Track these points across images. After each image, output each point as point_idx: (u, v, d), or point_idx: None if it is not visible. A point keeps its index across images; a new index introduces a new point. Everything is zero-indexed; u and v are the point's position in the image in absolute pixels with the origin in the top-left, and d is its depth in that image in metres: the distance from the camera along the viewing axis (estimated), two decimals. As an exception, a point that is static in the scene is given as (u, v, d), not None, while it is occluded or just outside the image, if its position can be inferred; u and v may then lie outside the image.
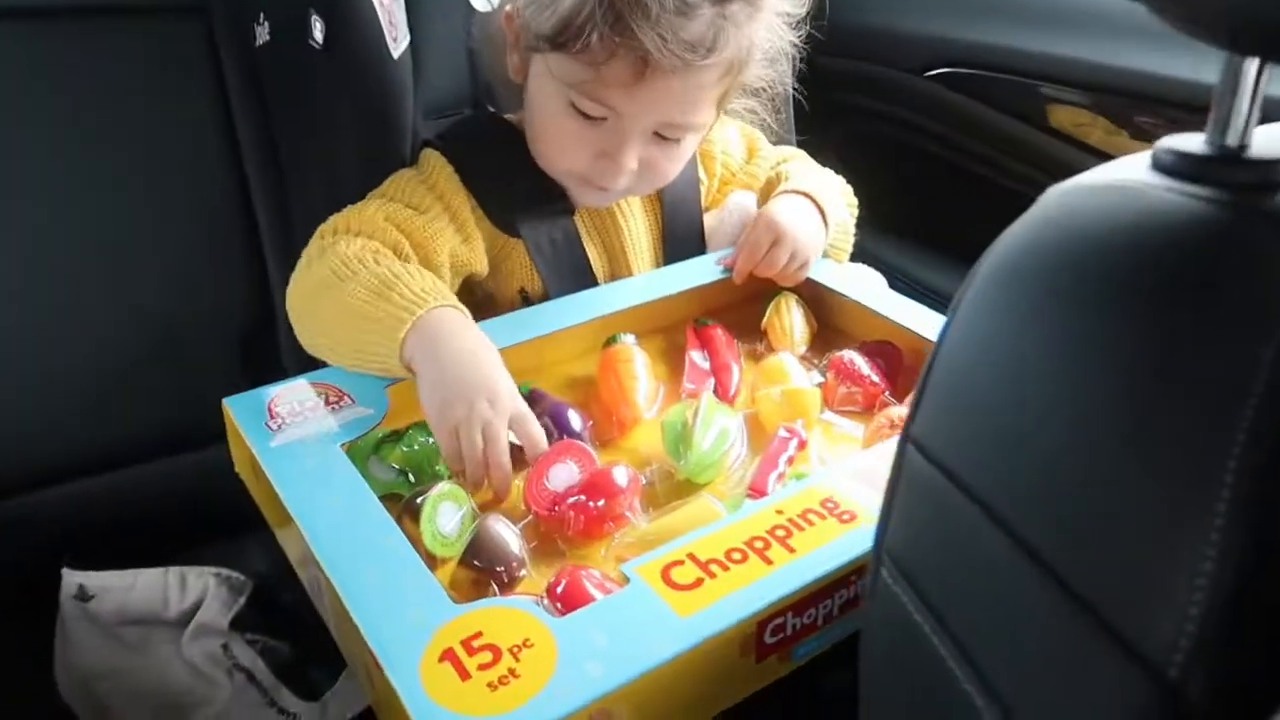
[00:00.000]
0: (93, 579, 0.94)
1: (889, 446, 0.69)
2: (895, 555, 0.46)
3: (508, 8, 0.85)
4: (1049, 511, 0.37)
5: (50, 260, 0.99)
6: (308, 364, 0.82)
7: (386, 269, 0.76)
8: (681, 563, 0.59)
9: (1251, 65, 0.38)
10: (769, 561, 0.59)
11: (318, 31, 0.89)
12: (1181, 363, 0.34)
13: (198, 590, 0.92)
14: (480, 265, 0.89)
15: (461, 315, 0.76)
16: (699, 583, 0.57)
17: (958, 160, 1.21)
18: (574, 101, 0.80)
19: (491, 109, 0.96)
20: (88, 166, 0.99)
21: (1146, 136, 1.04)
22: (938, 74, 1.17)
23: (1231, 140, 0.39)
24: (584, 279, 0.92)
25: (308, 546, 0.60)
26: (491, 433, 0.68)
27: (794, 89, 1.08)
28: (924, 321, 0.87)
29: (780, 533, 0.61)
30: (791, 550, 0.60)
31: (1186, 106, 0.97)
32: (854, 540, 0.61)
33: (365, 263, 0.77)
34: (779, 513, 0.63)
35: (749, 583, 0.57)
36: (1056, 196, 0.42)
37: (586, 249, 0.93)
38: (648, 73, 0.76)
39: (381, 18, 0.88)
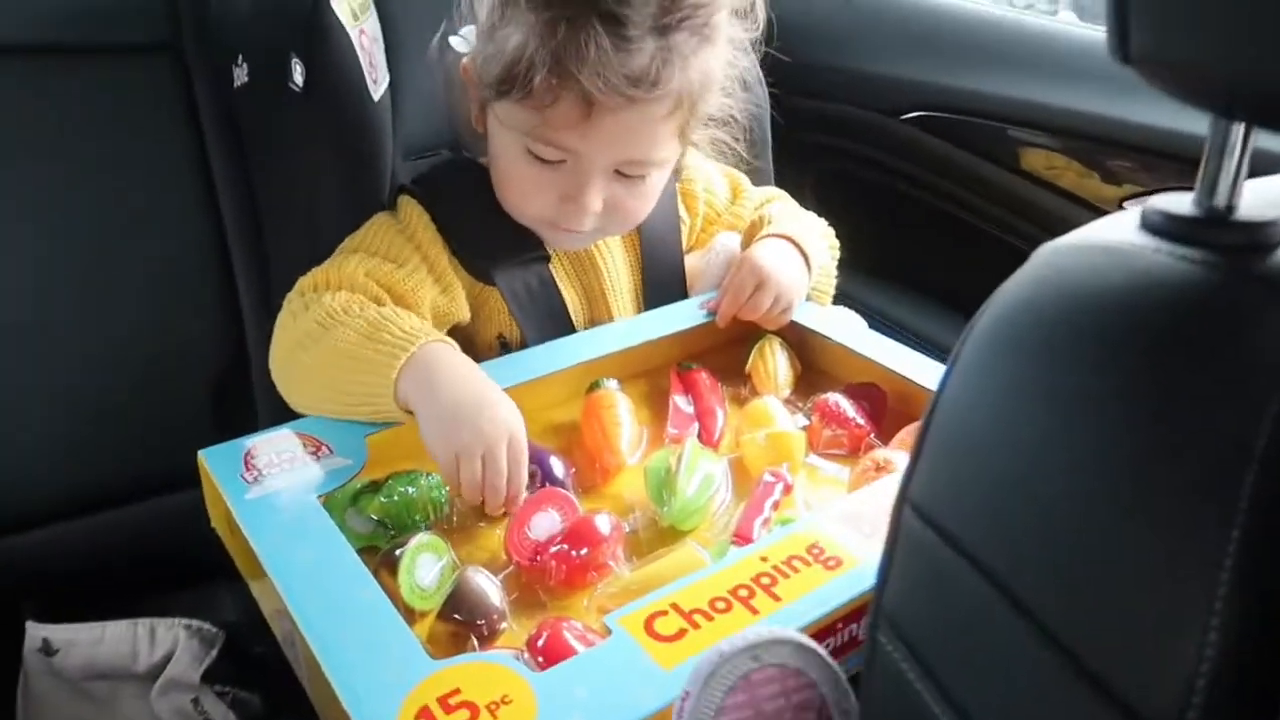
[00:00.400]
0: (58, 632, 0.91)
1: (875, 490, 0.70)
2: (893, 617, 0.45)
3: (464, 59, 0.85)
4: (1047, 574, 0.37)
5: (19, 303, 0.97)
6: (282, 409, 0.81)
7: (374, 313, 0.76)
8: (665, 613, 0.58)
9: (1239, 129, 0.39)
10: (754, 610, 0.58)
11: (298, 74, 0.88)
12: (1177, 424, 0.34)
13: (168, 643, 0.90)
14: (462, 314, 0.88)
15: (452, 348, 0.76)
16: (682, 633, 0.56)
17: (933, 202, 1.22)
18: (529, 147, 0.80)
19: (466, 154, 0.95)
20: (58, 207, 0.98)
21: (1117, 180, 1.04)
22: (913, 117, 1.18)
23: (1220, 201, 0.40)
24: (561, 325, 0.91)
25: (282, 601, 0.59)
26: (491, 456, 0.70)
27: (769, 129, 1.09)
28: (907, 363, 0.86)
29: (765, 580, 0.60)
30: (777, 598, 0.59)
31: (1157, 152, 0.98)
32: (840, 586, 0.60)
33: (351, 311, 0.77)
34: (764, 560, 0.62)
35: (733, 632, 0.56)
36: (1048, 255, 0.42)
37: (564, 293, 0.92)
38: (593, 112, 0.75)
39: (362, 59, 0.88)
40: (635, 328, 0.91)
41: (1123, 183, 1.04)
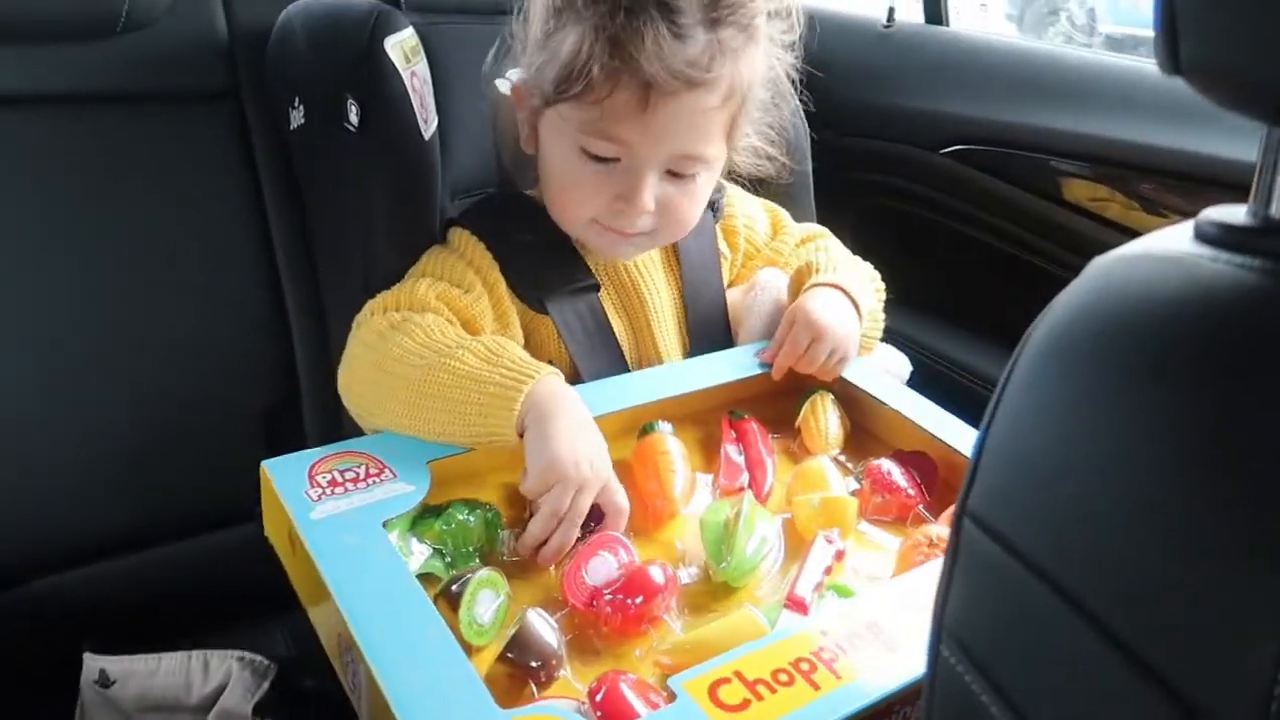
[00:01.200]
0: (114, 664, 0.91)
1: (932, 570, 0.70)
2: (955, 632, 0.45)
3: (514, 81, 0.88)
4: (1113, 583, 0.37)
5: (75, 341, 1.00)
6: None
7: (489, 340, 0.79)
8: (729, 680, 0.58)
9: None
10: (815, 686, 0.58)
11: (353, 115, 0.91)
12: (1239, 431, 0.34)
13: (221, 675, 0.90)
14: (517, 341, 0.89)
15: (565, 385, 0.79)
16: (746, 704, 0.57)
17: (975, 235, 1.22)
18: (585, 146, 0.82)
19: (512, 188, 0.97)
20: (115, 250, 1.00)
21: (1161, 209, 1.06)
22: (953, 150, 1.19)
23: (1275, 211, 0.39)
24: (612, 355, 0.93)
25: (349, 631, 0.59)
26: (579, 503, 0.73)
27: (807, 140, 1.09)
28: (956, 433, 0.87)
29: (826, 655, 0.61)
30: (838, 676, 0.59)
31: (1202, 179, 0.99)
32: (899, 668, 0.60)
33: (448, 334, 0.79)
34: (824, 634, 0.62)
35: (797, 708, 0.57)
36: (1103, 267, 0.42)
37: (613, 325, 0.93)
38: (651, 99, 0.78)
39: (414, 100, 0.91)
40: (687, 372, 0.92)
41: (1168, 212, 1.05)
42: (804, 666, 0.60)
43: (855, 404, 0.94)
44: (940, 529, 0.76)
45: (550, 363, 0.91)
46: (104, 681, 0.90)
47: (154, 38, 1.00)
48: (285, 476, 0.71)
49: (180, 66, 1.02)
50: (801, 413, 0.91)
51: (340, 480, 0.71)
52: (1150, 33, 0.40)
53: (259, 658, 0.90)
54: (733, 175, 0.95)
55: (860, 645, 0.62)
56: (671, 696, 0.59)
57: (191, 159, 1.03)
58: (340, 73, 0.93)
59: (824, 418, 0.90)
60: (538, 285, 0.89)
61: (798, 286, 0.97)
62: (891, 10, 1.41)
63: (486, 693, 0.56)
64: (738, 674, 0.59)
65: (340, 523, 0.67)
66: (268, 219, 1.04)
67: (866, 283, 1.00)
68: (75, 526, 1.01)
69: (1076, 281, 0.43)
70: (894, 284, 1.05)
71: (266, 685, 0.88)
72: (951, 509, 0.79)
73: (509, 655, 0.62)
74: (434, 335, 0.79)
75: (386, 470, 0.73)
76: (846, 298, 0.95)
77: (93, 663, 0.92)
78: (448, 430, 0.76)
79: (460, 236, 0.90)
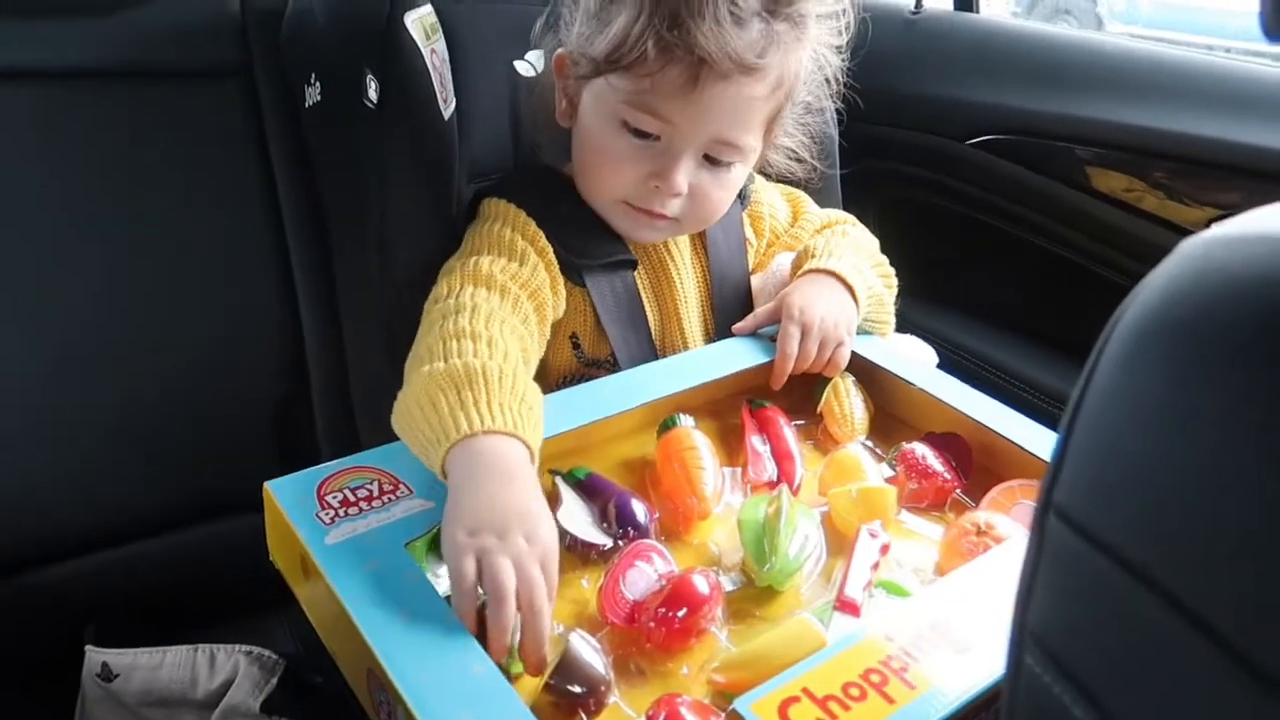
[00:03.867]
0: (117, 657, 0.88)
1: (990, 562, 0.67)
2: (1041, 638, 0.42)
3: (559, 51, 0.87)
4: (1224, 584, 0.34)
5: (79, 326, 0.97)
6: (344, 437, 0.77)
7: (480, 362, 0.69)
8: (798, 699, 0.54)
9: None
10: (890, 700, 0.55)
11: (372, 91, 0.88)
12: None
13: (227, 669, 0.87)
14: (561, 311, 0.88)
15: (523, 453, 0.66)
16: (820, 724, 0.53)
17: (1003, 227, 1.20)
18: (627, 119, 0.81)
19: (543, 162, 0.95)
20: (122, 229, 0.99)
21: (1197, 200, 1.03)
22: (981, 141, 1.16)
23: None
24: (642, 335, 0.91)
25: (382, 669, 0.54)
26: (525, 573, 0.58)
27: (836, 139, 1.07)
28: (989, 412, 0.84)
29: (896, 664, 0.57)
30: (911, 686, 0.56)
31: (1239, 169, 0.97)
32: (974, 673, 0.57)
33: (470, 352, 0.71)
34: (889, 639, 0.59)
35: (873, 725, 0.53)
36: (1198, 247, 0.39)
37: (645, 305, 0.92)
38: (701, 78, 0.78)
39: (433, 78, 0.87)
40: (704, 361, 0.88)
41: (1202, 204, 1.03)
42: (874, 679, 0.56)
43: (878, 386, 0.90)
44: (987, 515, 0.73)
45: (572, 335, 0.90)
46: (106, 675, 0.88)
47: (165, 12, 0.99)
48: (292, 498, 0.66)
49: (191, 42, 1.00)
50: (824, 397, 0.87)
51: (353, 499, 0.66)
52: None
53: (267, 653, 0.87)
54: (764, 173, 0.94)
55: (928, 649, 0.58)
56: (734, 718, 0.55)
57: (202, 136, 1.01)
58: (359, 47, 0.90)
59: (847, 401, 0.87)
60: (579, 254, 0.87)
61: (796, 271, 0.95)
62: None
63: (541, 729, 0.51)
64: (806, 691, 0.55)
65: (359, 547, 0.62)
66: (278, 198, 1.02)
67: (866, 268, 0.96)
68: (78, 514, 0.99)
69: (1168, 263, 0.40)
70: (919, 277, 1.03)
71: (275, 681, 0.85)
72: (994, 493, 0.77)
73: (554, 684, 0.58)
74: (458, 343, 0.71)
75: (401, 486, 0.68)
76: (840, 283, 0.91)
77: (95, 656, 0.89)
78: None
79: (499, 207, 0.87)
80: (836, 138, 1.07)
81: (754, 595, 0.69)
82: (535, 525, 0.61)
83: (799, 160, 0.94)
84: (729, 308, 0.96)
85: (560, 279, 0.87)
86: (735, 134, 0.83)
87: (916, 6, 1.37)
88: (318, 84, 0.96)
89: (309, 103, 0.97)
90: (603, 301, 0.88)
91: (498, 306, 0.78)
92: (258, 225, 1.02)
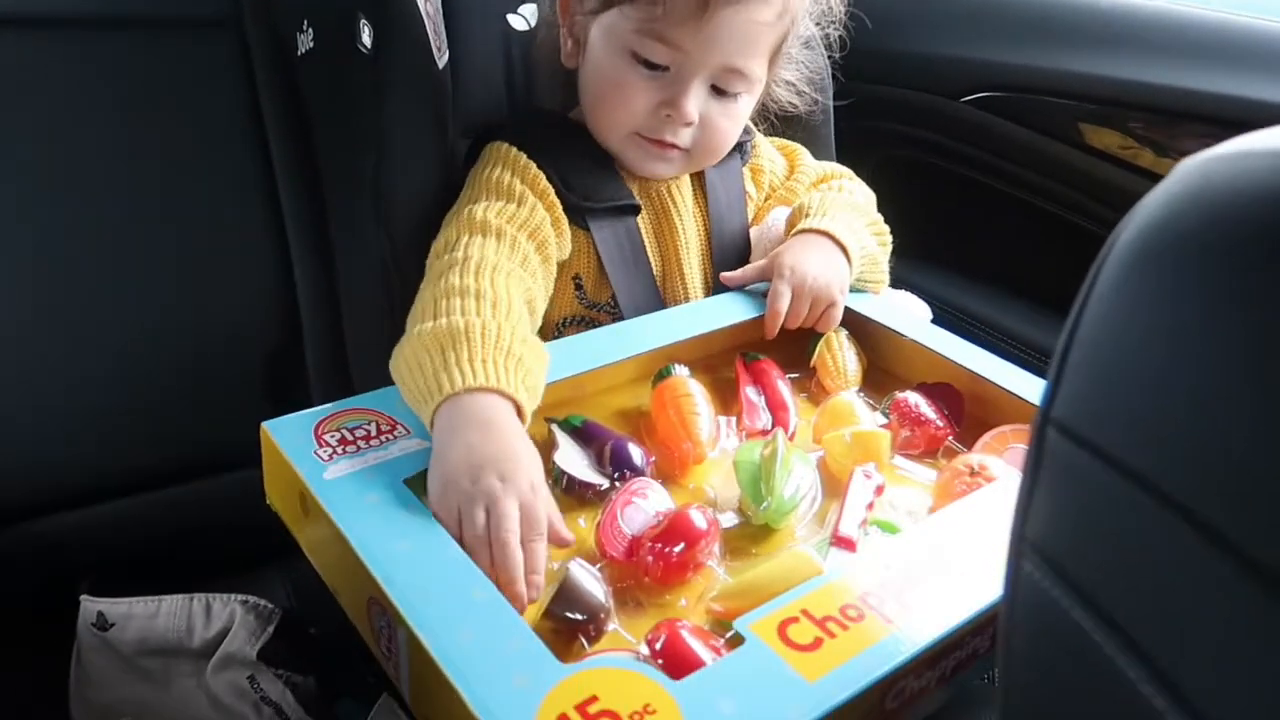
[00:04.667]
0: (113, 606, 0.88)
1: (983, 498, 0.68)
2: (1040, 547, 0.42)
3: None
4: (1230, 489, 0.35)
5: (69, 277, 0.96)
6: (336, 391, 0.76)
7: (465, 320, 0.69)
8: (796, 620, 0.55)
9: None
10: (887, 619, 0.55)
11: (366, 37, 0.87)
12: None
13: (224, 618, 0.86)
14: (565, 252, 0.88)
15: (505, 405, 0.66)
16: (819, 642, 0.54)
17: (997, 185, 1.20)
18: (636, 50, 0.83)
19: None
20: (110, 180, 0.98)
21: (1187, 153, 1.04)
22: (976, 98, 1.17)
23: None
24: (646, 279, 0.92)
25: (382, 593, 0.55)
26: (496, 511, 0.59)
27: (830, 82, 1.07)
28: (981, 361, 0.84)
29: (893, 588, 0.58)
30: (909, 608, 0.56)
31: (1230, 122, 0.98)
32: (969, 596, 0.58)
33: (470, 309, 0.71)
34: (886, 567, 0.59)
35: (872, 643, 0.54)
36: (1196, 165, 0.40)
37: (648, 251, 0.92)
38: (711, 3, 0.79)
39: (428, 27, 0.86)
40: (698, 314, 0.88)
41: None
42: (873, 601, 0.57)
43: (870, 340, 0.91)
44: (980, 457, 0.73)
45: (575, 276, 0.90)
46: (102, 624, 0.87)
47: None
48: (289, 437, 0.66)
49: None
50: (817, 351, 0.88)
51: (351, 438, 0.66)
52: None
53: (263, 602, 0.87)
54: (764, 108, 0.95)
55: (926, 576, 0.59)
56: (731, 643, 0.56)
57: (192, 87, 1.00)
58: None
59: (840, 355, 0.87)
60: (582, 197, 0.88)
61: (790, 228, 0.95)
62: None
63: (544, 647, 0.52)
64: (805, 613, 0.55)
65: (358, 481, 0.62)
66: (269, 149, 1.01)
67: (860, 227, 0.96)
68: (72, 467, 0.98)
69: (1167, 182, 0.41)
70: (913, 235, 1.03)
71: (271, 630, 0.84)
72: (987, 437, 0.78)
73: (554, 611, 0.58)
74: (452, 299, 0.72)
75: (399, 426, 0.68)
76: (833, 243, 0.91)
77: (90, 605, 0.88)
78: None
79: (501, 150, 0.88)
80: (829, 70, 1.07)
81: (750, 533, 0.69)
82: (513, 465, 0.61)
83: (800, 94, 0.96)
84: (728, 258, 0.96)
85: (564, 219, 0.87)
86: (743, 61, 0.84)
87: None
88: (310, 30, 0.95)
89: (301, 50, 0.97)
90: (605, 246, 0.89)
91: (493, 253, 0.78)
92: (249, 176, 1.01)
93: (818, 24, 0.93)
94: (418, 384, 0.67)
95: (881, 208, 1.02)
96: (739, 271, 0.92)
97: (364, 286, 0.86)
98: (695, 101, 0.84)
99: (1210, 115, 1.00)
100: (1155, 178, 1.07)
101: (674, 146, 0.87)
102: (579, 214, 0.88)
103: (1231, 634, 0.34)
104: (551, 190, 0.86)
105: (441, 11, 0.88)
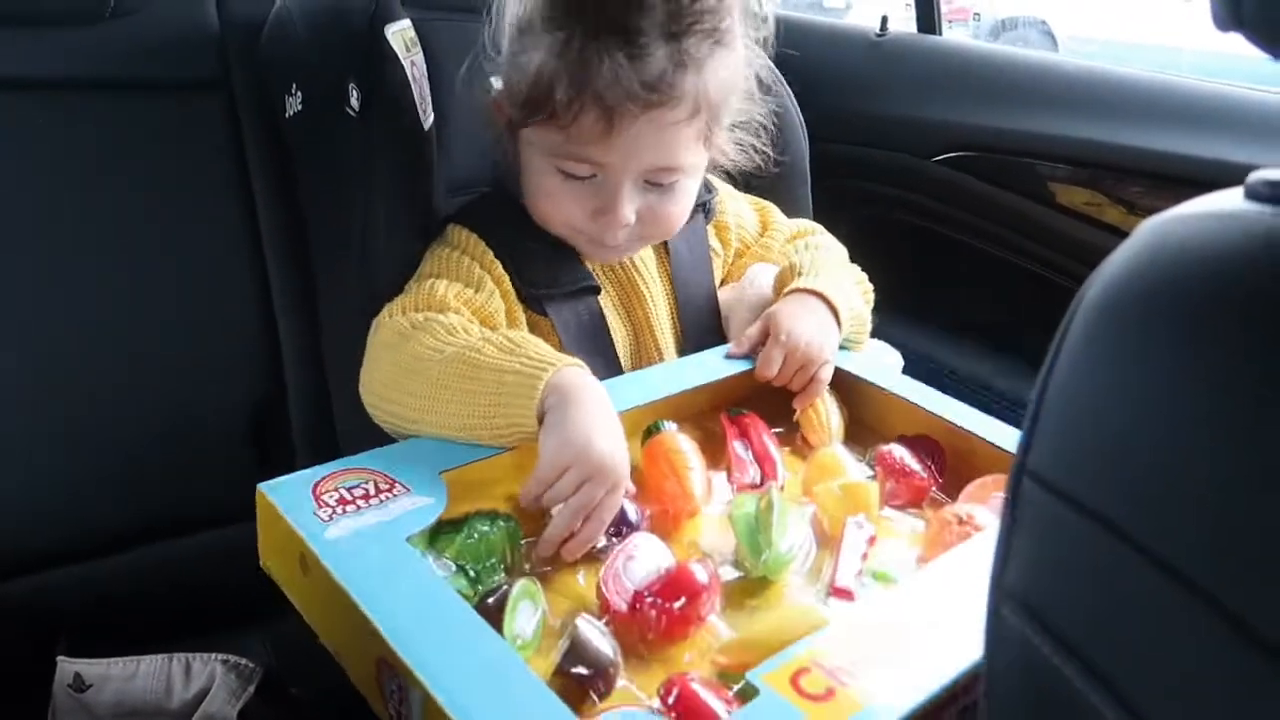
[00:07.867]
0: (90, 668, 0.85)
1: (974, 547, 0.69)
2: (1018, 594, 0.44)
3: (493, 95, 0.88)
4: (1192, 533, 0.36)
5: (54, 336, 0.96)
6: (320, 449, 0.77)
7: (515, 333, 0.76)
8: (808, 670, 0.55)
9: None
10: (900, 665, 0.56)
11: (354, 99, 0.89)
12: None
13: (203, 678, 0.84)
14: None
15: (589, 376, 0.75)
16: (831, 693, 0.54)
17: (968, 241, 1.24)
18: (559, 166, 0.82)
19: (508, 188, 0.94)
20: (99, 241, 0.97)
21: (1152, 212, 1.09)
22: (946, 158, 1.21)
23: None
24: (608, 358, 0.91)
25: (393, 653, 0.54)
26: (610, 501, 0.69)
27: (799, 126, 1.10)
28: (959, 413, 0.86)
29: (899, 636, 0.58)
30: (916, 653, 0.57)
31: (1197, 183, 1.02)
32: (976, 640, 0.59)
33: (472, 332, 0.77)
34: (891, 615, 0.60)
35: (884, 691, 0.54)
36: (1156, 226, 0.42)
37: (612, 325, 0.92)
38: (615, 124, 0.78)
39: (413, 89, 0.89)
40: (678, 372, 0.89)
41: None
42: (881, 649, 0.57)
43: (848, 395, 0.93)
44: (967, 507, 0.75)
45: None
46: (79, 686, 0.84)
47: (143, 24, 0.99)
48: (287, 497, 0.66)
49: (170, 54, 1.00)
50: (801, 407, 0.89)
51: (350, 498, 0.66)
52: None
53: (244, 661, 0.85)
54: (720, 168, 0.95)
55: (932, 622, 0.60)
56: (741, 696, 0.56)
57: (180, 148, 1.00)
58: (341, 57, 0.91)
59: (823, 409, 0.89)
60: (538, 285, 0.88)
61: (780, 287, 0.96)
62: (885, 20, 1.42)
63: (561, 704, 0.52)
64: (816, 663, 0.56)
65: (360, 541, 0.62)
66: (256, 209, 1.01)
67: (850, 286, 0.97)
68: (50, 526, 0.97)
69: (1130, 241, 0.43)
70: (888, 291, 1.05)
71: (252, 689, 0.82)
72: (971, 487, 0.79)
73: (565, 668, 0.58)
74: (456, 332, 0.76)
75: (397, 485, 0.68)
76: (825, 304, 0.92)
77: (67, 666, 0.85)
78: (469, 424, 0.72)
79: (461, 234, 0.88)
80: (801, 125, 1.09)
81: (746, 586, 0.70)
82: (623, 450, 0.71)
83: (754, 151, 0.94)
84: (697, 319, 0.97)
85: (518, 307, 0.87)
86: (668, 160, 0.83)
87: (881, 29, 1.42)
88: (299, 93, 0.97)
89: (290, 112, 0.98)
90: (565, 329, 0.88)
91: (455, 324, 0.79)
92: (236, 237, 1.01)
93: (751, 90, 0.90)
94: (504, 383, 0.71)
95: (855, 263, 1.04)
96: (743, 342, 0.91)
97: (348, 343, 0.86)
98: (629, 204, 0.83)
99: (1175, 175, 1.05)
100: (1123, 235, 1.13)
101: (618, 243, 0.87)
102: (535, 301, 0.88)
103: (1205, 676, 0.35)
104: (507, 279, 0.86)
105: (427, 75, 0.90)
